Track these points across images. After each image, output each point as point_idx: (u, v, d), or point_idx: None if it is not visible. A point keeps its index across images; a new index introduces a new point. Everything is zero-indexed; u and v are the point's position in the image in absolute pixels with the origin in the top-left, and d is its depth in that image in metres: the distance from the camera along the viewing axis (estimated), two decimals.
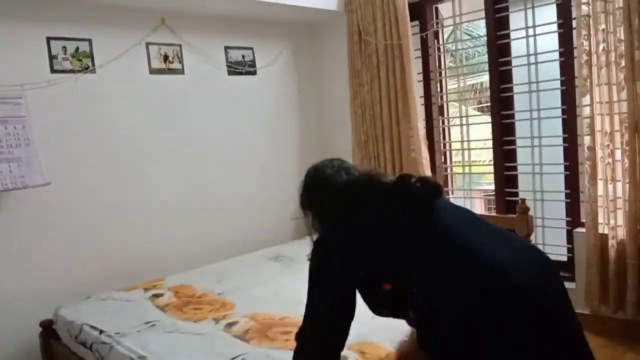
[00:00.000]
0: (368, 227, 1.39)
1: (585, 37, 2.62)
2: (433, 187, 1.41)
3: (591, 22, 2.60)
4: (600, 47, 2.61)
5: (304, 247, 3.15)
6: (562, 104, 3.02)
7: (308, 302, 1.44)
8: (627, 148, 2.59)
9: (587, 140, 2.70)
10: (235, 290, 2.56)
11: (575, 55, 2.92)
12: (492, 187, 3.55)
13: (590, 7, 2.60)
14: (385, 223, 1.38)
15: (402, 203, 1.38)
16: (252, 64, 3.70)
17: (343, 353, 1.45)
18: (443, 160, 3.70)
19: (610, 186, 2.68)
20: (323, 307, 1.41)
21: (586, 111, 2.68)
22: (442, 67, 3.63)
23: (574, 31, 2.74)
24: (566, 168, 3.05)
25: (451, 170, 3.74)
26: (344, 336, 1.41)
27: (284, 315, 2.16)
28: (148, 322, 2.22)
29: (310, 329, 1.43)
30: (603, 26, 2.60)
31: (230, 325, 2.12)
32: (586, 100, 2.67)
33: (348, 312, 1.40)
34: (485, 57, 3.42)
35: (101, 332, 2.14)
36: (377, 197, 1.45)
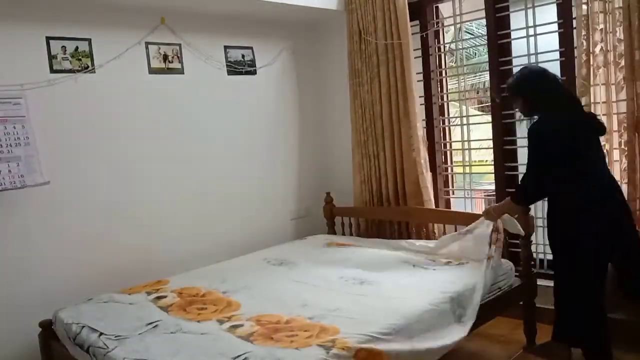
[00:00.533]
0: (567, 129, 2.25)
1: (585, 37, 2.62)
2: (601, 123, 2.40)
3: (590, 21, 2.59)
4: (599, 47, 2.61)
5: (304, 251, 3.18)
6: None
7: (530, 160, 2.32)
8: (626, 148, 2.59)
9: None
10: (241, 291, 2.54)
11: (576, 54, 2.91)
12: (493, 187, 3.55)
13: (589, 6, 2.59)
14: (576, 132, 2.26)
15: (588, 122, 2.34)
16: (252, 63, 3.70)
17: None
18: (443, 160, 3.70)
19: None
20: (538, 165, 2.30)
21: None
22: (443, 66, 3.63)
23: (574, 31, 2.73)
24: None
25: (452, 170, 3.73)
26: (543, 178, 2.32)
27: (291, 318, 2.15)
28: (150, 323, 2.20)
29: (528, 174, 2.34)
30: (602, 26, 2.59)
31: (234, 327, 2.10)
32: (585, 100, 2.66)
33: (548, 169, 2.28)
34: (486, 57, 3.41)
35: (101, 334, 2.11)
36: (577, 110, 2.37)
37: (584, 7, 2.60)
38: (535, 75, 2.36)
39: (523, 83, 2.37)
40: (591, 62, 2.64)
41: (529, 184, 2.37)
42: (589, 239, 2.22)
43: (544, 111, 2.31)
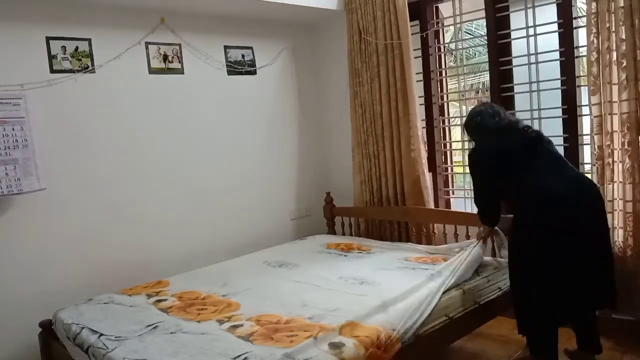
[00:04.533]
0: (495, 152, 2.45)
1: (595, 35, 2.60)
2: (537, 137, 2.47)
3: (599, 20, 2.57)
4: (605, 46, 2.60)
5: (304, 252, 3.18)
6: (563, 104, 3.01)
7: (473, 184, 2.68)
8: (630, 148, 2.58)
9: (596, 139, 2.68)
10: (241, 292, 2.54)
11: (576, 54, 2.91)
12: None
13: (598, 4, 2.57)
14: (505, 152, 2.42)
15: (521, 141, 2.45)
16: (252, 63, 3.70)
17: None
18: (443, 160, 3.70)
19: (609, 186, 2.67)
20: (480, 187, 2.59)
21: (595, 110, 2.66)
22: (443, 66, 3.63)
23: (584, 29, 2.70)
24: None
25: (451, 170, 3.73)
26: (496, 200, 2.58)
27: (291, 318, 2.15)
28: (150, 324, 2.19)
29: (477, 198, 2.63)
30: (607, 25, 2.58)
31: (234, 327, 2.10)
32: (595, 99, 2.65)
33: (493, 190, 2.52)
34: (486, 57, 3.41)
35: (100, 335, 2.11)
36: (507, 134, 2.50)
37: (594, 4, 2.58)
38: (472, 113, 2.64)
39: (466, 118, 2.68)
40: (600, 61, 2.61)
41: (480, 203, 2.62)
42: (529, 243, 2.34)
43: (476, 141, 2.66)
